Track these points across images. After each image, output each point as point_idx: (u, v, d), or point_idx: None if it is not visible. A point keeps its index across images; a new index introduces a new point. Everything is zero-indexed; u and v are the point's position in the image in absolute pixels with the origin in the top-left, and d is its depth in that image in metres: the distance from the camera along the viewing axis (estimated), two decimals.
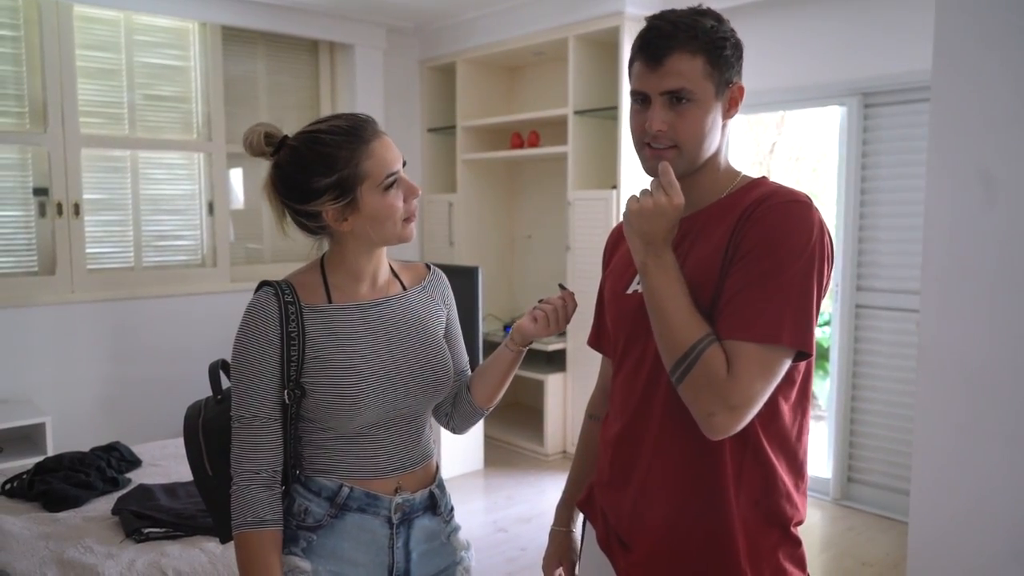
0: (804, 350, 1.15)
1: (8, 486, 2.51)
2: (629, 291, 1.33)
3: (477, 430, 4.41)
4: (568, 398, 4.58)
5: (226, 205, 4.57)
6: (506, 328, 4.91)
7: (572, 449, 4.59)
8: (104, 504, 2.38)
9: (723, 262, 1.19)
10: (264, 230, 4.81)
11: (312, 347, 1.34)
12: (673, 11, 1.25)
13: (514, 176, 5.38)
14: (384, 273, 1.46)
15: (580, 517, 1.53)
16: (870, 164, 3.79)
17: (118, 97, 4.20)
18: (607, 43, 4.31)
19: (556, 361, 4.67)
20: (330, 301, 1.39)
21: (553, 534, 1.55)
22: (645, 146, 1.26)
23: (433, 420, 1.55)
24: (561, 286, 1.47)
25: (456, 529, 1.50)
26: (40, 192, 3.98)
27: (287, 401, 1.33)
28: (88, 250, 4.12)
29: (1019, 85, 2.33)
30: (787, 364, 1.15)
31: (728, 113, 1.26)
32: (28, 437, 3.71)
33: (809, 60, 3.86)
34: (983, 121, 2.41)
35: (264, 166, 1.42)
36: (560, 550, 1.54)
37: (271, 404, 1.33)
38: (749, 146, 5.75)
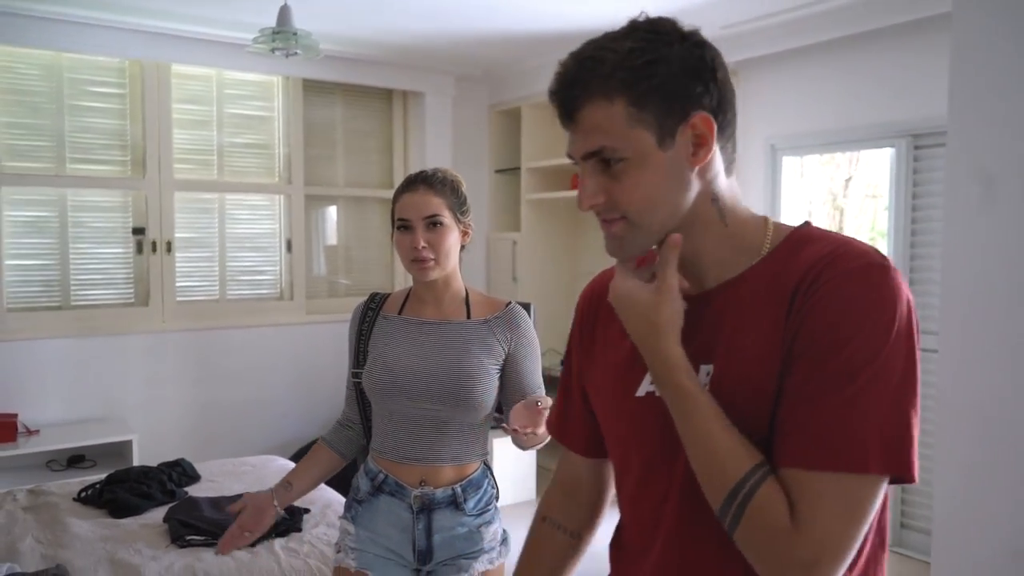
0: (901, 474, 0.83)
1: (83, 494, 2.84)
2: (640, 393, 1.01)
3: (530, 460, 4.54)
4: None
5: (304, 243, 4.93)
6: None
7: None
8: (159, 513, 2.66)
9: (783, 358, 0.87)
10: (348, 266, 5.16)
11: (372, 343, 1.78)
12: (591, 41, 0.94)
13: (576, 215, 5.54)
14: (453, 302, 1.80)
15: None
16: (921, 206, 3.75)
17: (208, 144, 4.64)
18: None
19: None
20: (400, 314, 1.81)
21: None
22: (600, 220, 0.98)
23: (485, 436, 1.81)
24: (513, 429, 1.53)
25: (488, 523, 1.75)
26: (138, 231, 4.43)
27: (352, 379, 1.82)
28: (178, 283, 4.54)
29: None
30: (881, 495, 0.84)
31: (694, 158, 0.92)
32: (119, 452, 4.11)
33: (858, 102, 3.87)
34: (1000, 165, 2.42)
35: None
36: None
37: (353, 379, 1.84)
38: (824, 182, 5.71)
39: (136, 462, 3.92)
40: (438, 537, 1.70)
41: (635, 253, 1.00)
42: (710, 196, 0.95)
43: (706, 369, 0.94)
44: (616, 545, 1.14)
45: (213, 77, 4.63)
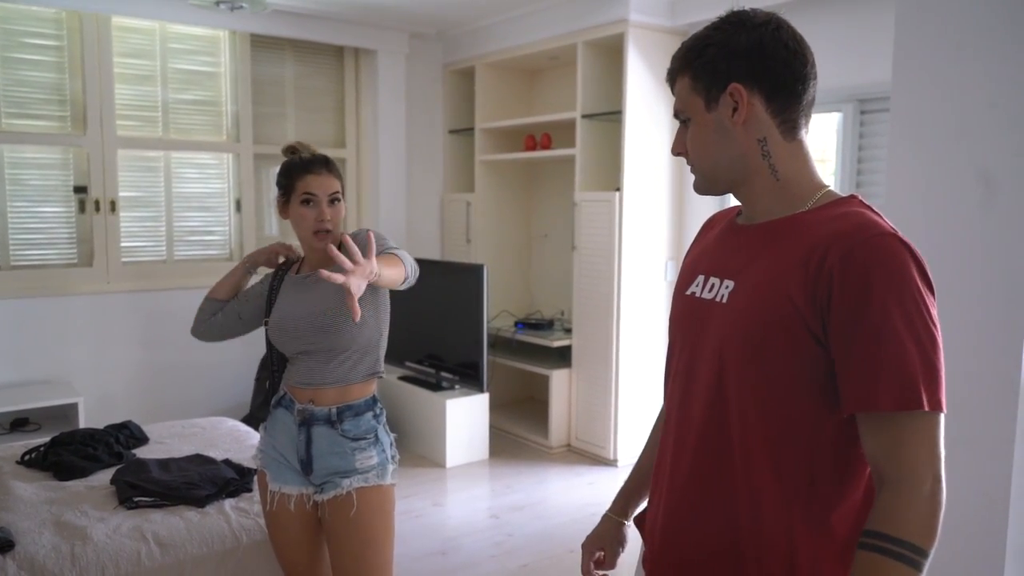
0: (940, 409, 1.03)
1: (27, 457, 2.79)
2: (688, 292, 1.27)
3: (483, 420, 4.58)
4: (573, 393, 4.72)
5: (253, 203, 4.85)
6: (518, 325, 5.06)
7: (576, 443, 4.73)
8: (106, 475, 2.63)
9: (805, 291, 1.06)
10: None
11: (278, 297, 2.10)
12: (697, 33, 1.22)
13: (530, 177, 5.53)
14: (328, 255, 2.00)
15: (638, 509, 1.48)
16: (866, 170, 3.83)
17: (153, 101, 4.50)
18: (613, 48, 4.42)
19: (562, 357, 4.82)
20: (298, 273, 2.13)
21: (604, 518, 1.51)
22: None
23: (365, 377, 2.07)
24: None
25: (363, 449, 2.00)
26: (80, 190, 4.31)
27: (265, 326, 2.11)
28: (123, 244, 4.43)
29: (978, 94, 2.38)
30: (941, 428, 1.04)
31: (735, 118, 1.14)
32: (64, 415, 4.04)
33: None
34: (941, 131, 2.47)
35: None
36: (605, 534, 1.49)
37: (240, 305, 2.17)
38: None
39: (82, 425, 3.86)
40: (316, 449, 1.99)
41: (709, 193, 1.24)
42: (760, 152, 1.17)
43: (727, 284, 1.18)
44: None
45: (156, 30, 4.48)
